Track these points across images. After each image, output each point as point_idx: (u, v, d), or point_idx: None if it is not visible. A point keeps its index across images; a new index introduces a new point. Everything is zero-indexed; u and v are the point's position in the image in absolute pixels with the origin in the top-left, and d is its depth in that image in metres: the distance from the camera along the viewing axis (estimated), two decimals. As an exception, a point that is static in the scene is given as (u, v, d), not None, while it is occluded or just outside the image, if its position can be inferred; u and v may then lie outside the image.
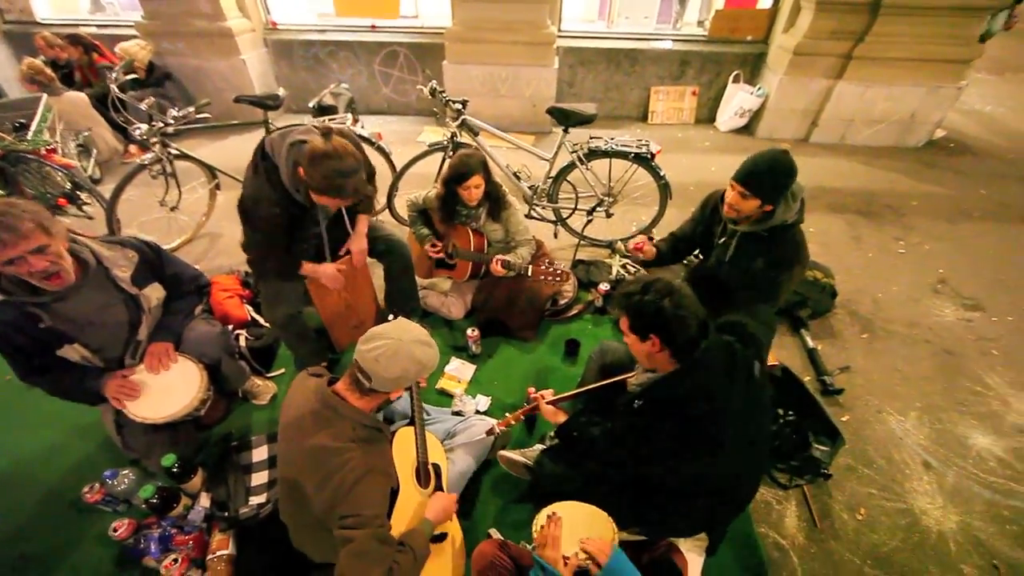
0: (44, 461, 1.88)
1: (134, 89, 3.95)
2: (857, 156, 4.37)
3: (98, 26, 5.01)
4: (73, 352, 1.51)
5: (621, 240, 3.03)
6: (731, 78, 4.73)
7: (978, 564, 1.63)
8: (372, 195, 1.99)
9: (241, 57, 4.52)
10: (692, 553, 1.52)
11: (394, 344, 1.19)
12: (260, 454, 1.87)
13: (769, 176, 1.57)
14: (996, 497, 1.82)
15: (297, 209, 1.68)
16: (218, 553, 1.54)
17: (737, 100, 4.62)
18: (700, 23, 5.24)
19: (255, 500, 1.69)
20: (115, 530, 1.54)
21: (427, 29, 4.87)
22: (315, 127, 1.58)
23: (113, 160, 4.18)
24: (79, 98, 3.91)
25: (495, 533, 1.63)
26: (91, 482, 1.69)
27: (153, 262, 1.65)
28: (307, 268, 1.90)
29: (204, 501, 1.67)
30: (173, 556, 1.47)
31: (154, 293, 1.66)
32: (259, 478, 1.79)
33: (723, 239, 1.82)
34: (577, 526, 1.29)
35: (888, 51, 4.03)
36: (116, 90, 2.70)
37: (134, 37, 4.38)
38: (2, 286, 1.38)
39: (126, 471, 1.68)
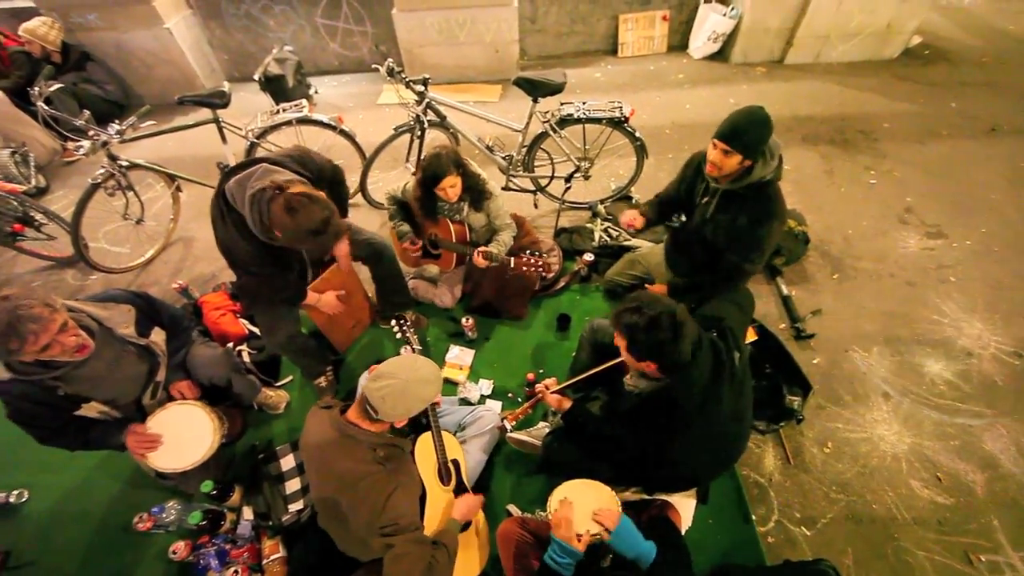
0: (84, 495, 2.00)
1: (53, 77, 3.56)
2: (832, 76, 4.27)
3: (-12, 0, 4.36)
4: (91, 410, 1.57)
5: (601, 202, 3.05)
6: (703, -2, 4.43)
7: (923, 477, 1.92)
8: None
9: (165, 26, 4.04)
10: (685, 500, 1.76)
11: (400, 384, 1.27)
12: (288, 463, 2.00)
13: (749, 130, 1.60)
14: (943, 417, 2.09)
15: (274, 249, 1.67)
16: (271, 557, 1.73)
17: (710, 23, 4.37)
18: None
19: (293, 507, 1.85)
20: (174, 552, 1.71)
21: (369, -31, 4.35)
22: (268, 167, 1.53)
23: (53, 161, 3.88)
24: (-4, 98, 3.53)
25: (514, 509, 1.84)
26: (136, 511, 1.83)
27: (147, 311, 1.67)
28: (311, 299, 1.95)
29: (247, 514, 1.83)
30: (233, 568, 1.66)
31: (159, 337, 1.70)
32: (292, 485, 1.94)
33: (705, 198, 1.87)
34: (587, 505, 1.48)
35: (867, -44, 3.79)
36: (45, 107, 2.44)
37: (36, 14, 3.85)
38: (13, 368, 1.39)
39: (171, 503, 1.82)
